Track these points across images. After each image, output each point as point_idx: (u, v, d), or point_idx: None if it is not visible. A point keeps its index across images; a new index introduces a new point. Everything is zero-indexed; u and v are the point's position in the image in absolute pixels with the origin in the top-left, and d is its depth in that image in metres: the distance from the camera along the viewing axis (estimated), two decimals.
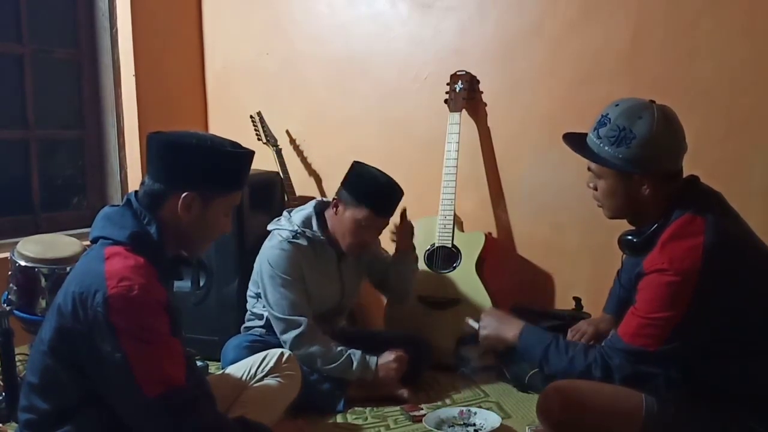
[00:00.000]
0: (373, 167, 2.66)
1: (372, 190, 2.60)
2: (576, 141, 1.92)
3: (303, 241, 2.64)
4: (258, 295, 2.69)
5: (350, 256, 2.73)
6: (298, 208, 2.76)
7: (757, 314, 1.77)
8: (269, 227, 2.73)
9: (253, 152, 1.78)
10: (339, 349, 2.56)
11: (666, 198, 1.83)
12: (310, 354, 2.52)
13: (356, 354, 2.57)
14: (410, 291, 2.95)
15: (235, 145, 1.74)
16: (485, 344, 2.11)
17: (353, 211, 2.58)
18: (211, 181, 1.69)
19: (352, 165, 2.67)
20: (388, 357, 2.60)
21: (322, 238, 2.66)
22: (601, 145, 1.83)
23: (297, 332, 2.53)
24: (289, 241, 2.62)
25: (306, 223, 2.67)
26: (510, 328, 2.02)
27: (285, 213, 2.74)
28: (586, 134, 1.91)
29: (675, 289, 1.71)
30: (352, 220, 2.59)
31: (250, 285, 2.77)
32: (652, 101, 1.84)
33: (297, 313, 2.56)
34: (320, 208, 2.72)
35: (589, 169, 1.93)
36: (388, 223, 2.70)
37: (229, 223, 1.79)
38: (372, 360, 2.58)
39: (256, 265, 2.71)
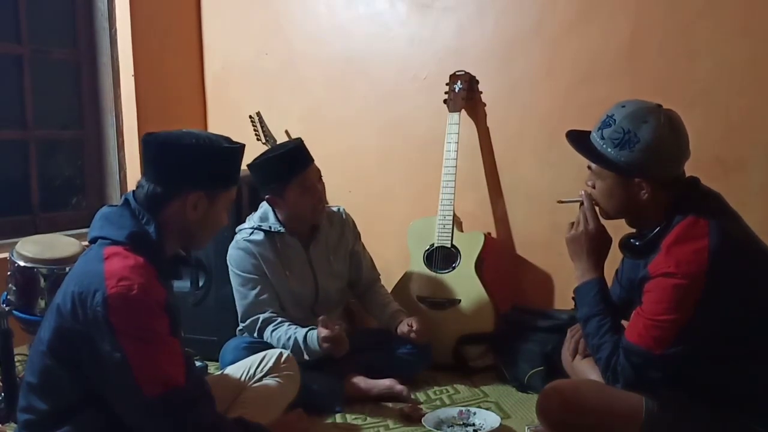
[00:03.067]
0: (263, 154, 2.64)
1: (279, 167, 2.60)
2: (579, 139, 1.91)
3: (259, 236, 2.66)
4: None
5: (320, 220, 2.75)
6: (260, 206, 2.79)
7: (759, 316, 1.76)
8: (237, 230, 2.76)
9: (244, 145, 1.82)
10: (288, 335, 2.52)
11: (665, 202, 1.83)
12: (269, 343, 2.54)
13: (299, 338, 2.49)
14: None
15: (229, 141, 1.78)
16: (567, 242, 1.99)
17: (287, 193, 2.61)
18: (215, 178, 1.73)
19: (248, 168, 2.61)
20: (322, 334, 2.45)
21: (281, 229, 2.68)
22: (604, 146, 1.83)
23: (256, 329, 2.59)
24: (245, 240, 2.66)
25: (263, 217, 2.71)
26: (585, 267, 1.95)
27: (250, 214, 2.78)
28: (589, 132, 1.91)
29: (682, 292, 1.71)
30: (293, 198, 2.62)
31: None
32: (659, 105, 1.83)
33: (256, 312, 2.59)
34: None
35: (589, 167, 1.92)
36: (317, 168, 2.69)
37: (227, 217, 1.83)
38: (312, 339, 2.47)
39: None
